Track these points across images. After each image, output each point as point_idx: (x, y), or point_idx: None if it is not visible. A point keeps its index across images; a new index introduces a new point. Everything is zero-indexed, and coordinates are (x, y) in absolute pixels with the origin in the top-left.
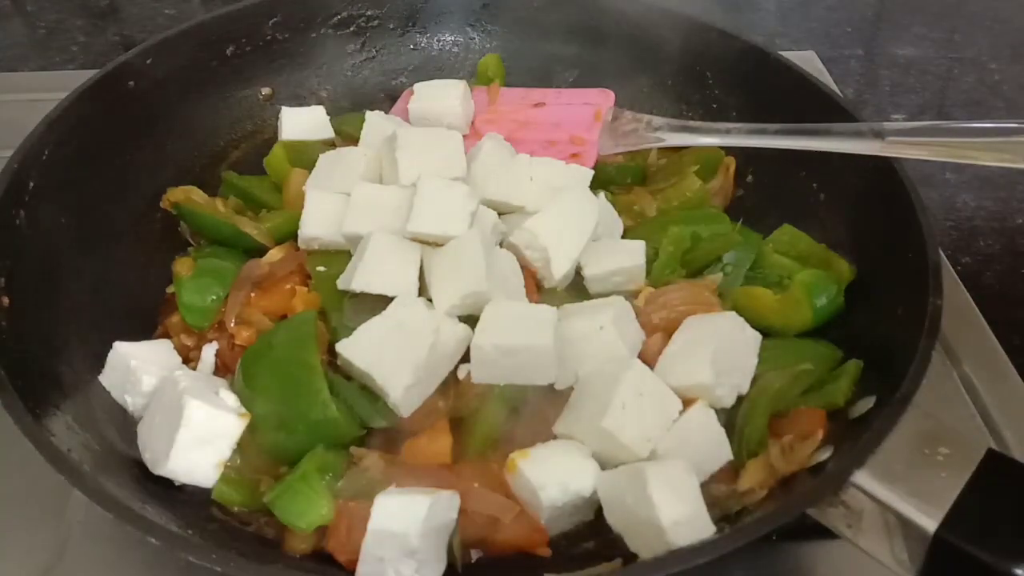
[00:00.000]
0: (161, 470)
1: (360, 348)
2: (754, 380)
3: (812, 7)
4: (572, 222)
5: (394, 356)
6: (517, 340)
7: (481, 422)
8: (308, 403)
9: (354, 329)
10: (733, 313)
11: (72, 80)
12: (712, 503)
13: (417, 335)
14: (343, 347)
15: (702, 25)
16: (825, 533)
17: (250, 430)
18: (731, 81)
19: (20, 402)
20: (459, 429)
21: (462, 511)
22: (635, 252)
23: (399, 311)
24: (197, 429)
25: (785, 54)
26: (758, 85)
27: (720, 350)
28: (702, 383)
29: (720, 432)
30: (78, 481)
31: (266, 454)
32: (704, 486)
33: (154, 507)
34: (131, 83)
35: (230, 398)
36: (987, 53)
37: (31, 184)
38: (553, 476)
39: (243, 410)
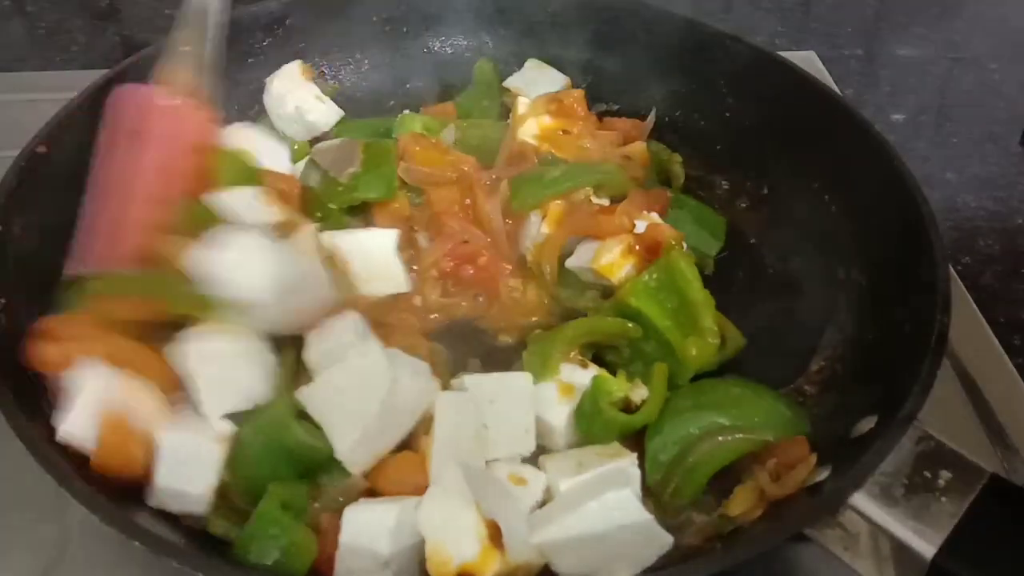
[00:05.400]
0: (152, 502)
1: (317, 397)
2: (704, 435)
3: (812, 7)
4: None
5: (346, 409)
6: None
7: None
8: (276, 431)
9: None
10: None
11: (72, 80)
12: (701, 528)
13: (372, 387)
14: (303, 394)
15: (717, 32)
16: None
17: (231, 467)
18: (745, 89)
19: (13, 401)
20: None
21: None
22: None
23: (356, 359)
24: (174, 460)
25: (785, 54)
26: (773, 94)
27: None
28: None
29: (648, 521)
30: (66, 483)
31: (249, 489)
32: (690, 514)
33: (147, 512)
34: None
35: (218, 422)
36: (987, 53)
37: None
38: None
39: (224, 434)
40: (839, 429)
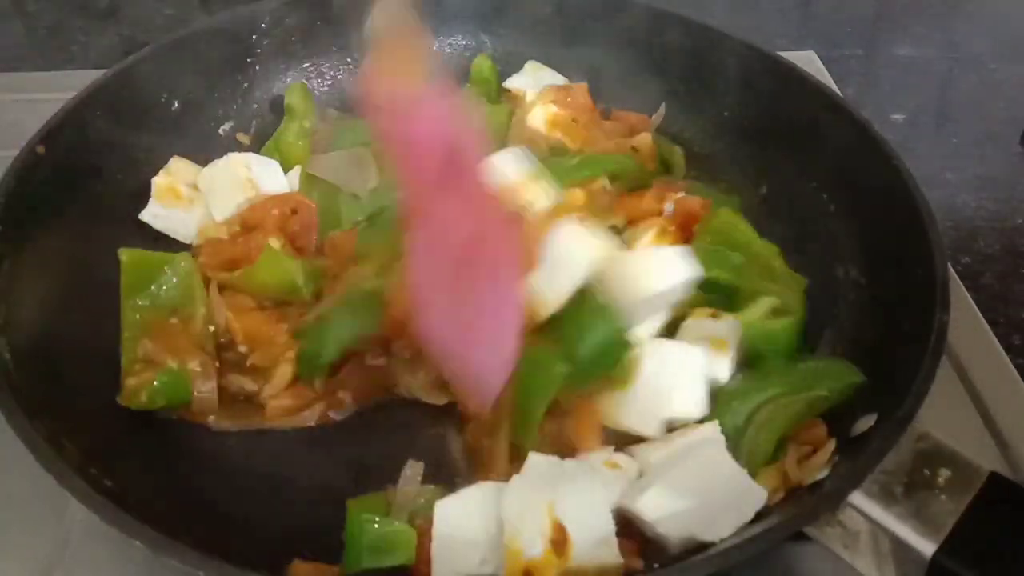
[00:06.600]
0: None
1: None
2: (766, 403)
3: (812, 7)
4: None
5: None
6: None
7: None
8: None
9: None
10: None
11: (72, 80)
12: None
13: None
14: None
15: (717, 32)
16: None
17: None
18: (745, 89)
19: (13, 401)
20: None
21: None
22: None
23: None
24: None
25: (785, 54)
26: (773, 94)
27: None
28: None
29: (743, 476)
30: (66, 483)
31: None
32: None
33: (147, 513)
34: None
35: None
36: (987, 53)
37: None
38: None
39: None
40: (839, 428)
